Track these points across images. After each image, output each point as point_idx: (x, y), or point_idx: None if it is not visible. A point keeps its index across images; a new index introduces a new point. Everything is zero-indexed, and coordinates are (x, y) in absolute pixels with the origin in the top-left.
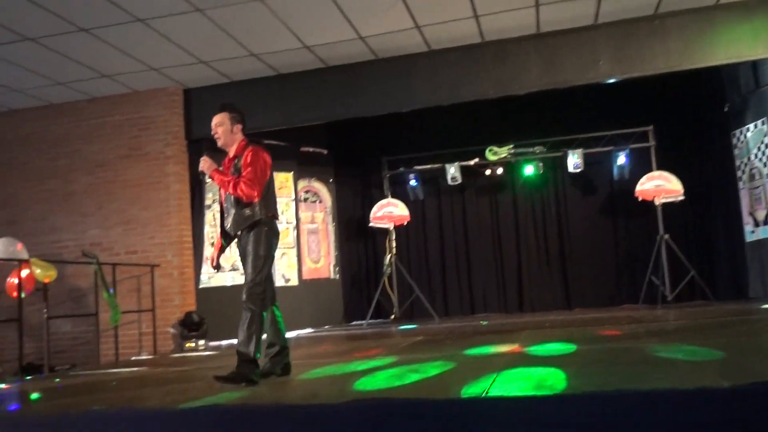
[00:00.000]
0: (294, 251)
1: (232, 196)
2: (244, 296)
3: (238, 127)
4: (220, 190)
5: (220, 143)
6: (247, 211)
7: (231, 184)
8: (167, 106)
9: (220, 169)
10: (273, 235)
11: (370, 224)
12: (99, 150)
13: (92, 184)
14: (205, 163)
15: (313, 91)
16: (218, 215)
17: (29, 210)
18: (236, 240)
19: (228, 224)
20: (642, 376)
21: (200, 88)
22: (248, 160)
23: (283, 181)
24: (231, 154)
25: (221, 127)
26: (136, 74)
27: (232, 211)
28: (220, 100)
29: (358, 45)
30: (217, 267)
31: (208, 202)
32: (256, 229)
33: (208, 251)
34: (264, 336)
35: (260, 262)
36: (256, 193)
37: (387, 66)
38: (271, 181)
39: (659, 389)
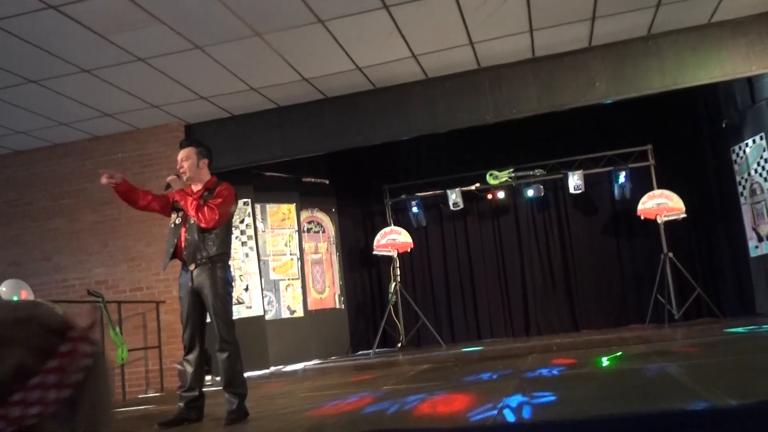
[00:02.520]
0: (299, 282)
1: (195, 227)
2: (220, 336)
3: (205, 161)
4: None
5: (185, 177)
6: (207, 245)
7: (194, 205)
8: (169, 142)
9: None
10: (228, 272)
11: (374, 252)
12: (103, 188)
13: (97, 222)
14: (174, 178)
15: (313, 122)
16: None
17: (34, 250)
18: (189, 270)
19: (186, 252)
20: (651, 397)
21: (201, 123)
22: (224, 192)
23: (286, 212)
24: (197, 188)
25: (187, 161)
26: (138, 112)
27: (190, 240)
28: (222, 134)
29: (356, 76)
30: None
31: None
32: (211, 267)
33: None
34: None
35: (224, 301)
36: (215, 221)
37: (385, 95)
38: (231, 221)
39: (670, 410)
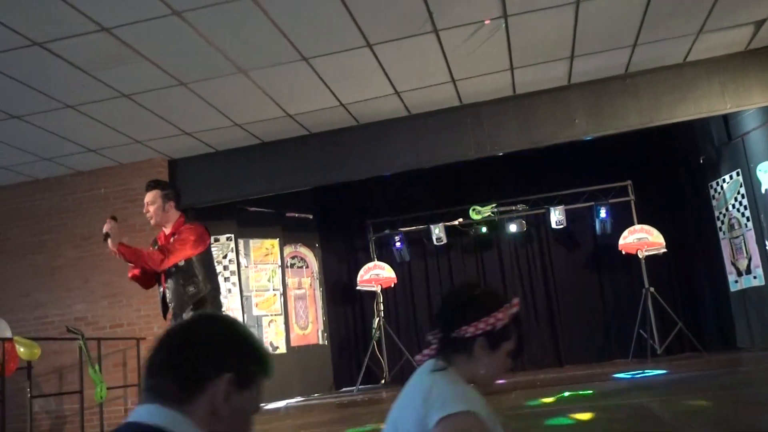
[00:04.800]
0: (282, 318)
1: (172, 272)
2: None
3: (171, 204)
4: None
5: (153, 222)
6: (192, 288)
7: (152, 259)
8: (152, 177)
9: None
10: (218, 309)
11: (358, 288)
12: (85, 223)
13: (78, 257)
14: (109, 226)
15: (297, 157)
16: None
17: (13, 287)
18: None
19: (171, 302)
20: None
21: (186, 158)
22: (183, 234)
23: (270, 247)
24: (168, 231)
25: (153, 205)
26: (122, 147)
27: (174, 288)
28: (206, 169)
29: (340, 112)
30: None
31: None
32: (202, 307)
33: None
34: None
35: None
36: (164, 261)
37: (368, 131)
38: (210, 255)
39: None
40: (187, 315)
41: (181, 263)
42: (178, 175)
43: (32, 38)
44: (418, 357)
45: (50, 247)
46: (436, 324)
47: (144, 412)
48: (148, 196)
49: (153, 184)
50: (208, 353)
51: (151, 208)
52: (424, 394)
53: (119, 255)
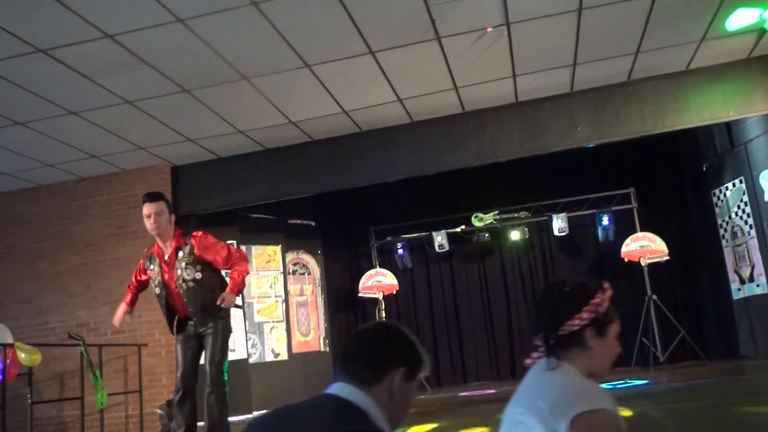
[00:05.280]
0: (283, 325)
1: (190, 286)
2: (212, 378)
3: (173, 216)
4: (161, 277)
5: (156, 232)
6: (212, 297)
7: (240, 276)
8: (155, 184)
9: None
10: (230, 319)
11: (360, 294)
12: (87, 229)
13: (80, 264)
14: (231, 297)
15: (300, 164)
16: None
17: (15, 293)
18: (192, 321)
19: (193, 312)
20: None
21: (188, 165)
22: (211, 241)
23: (272, 254)
24: (170, 244)
25: (161, 216)
26: (125, 154)
27: (194, 299)
28: (208, 176)
29: (343, 119)
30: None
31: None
32: (222, 313)
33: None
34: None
35: (227, 345)
36: (247, 264)
37: (371, 138)
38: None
39: None
40: (210, 323)
41: (199, 276)
42: (180, 182)
43: (36, 45)
44: (527, 360)
45: (52, 253)
46: (538, 328)
47: (341, 389)
48: (155, 206)
49: (159, 196)
50: (391, 351)
51: (160, 220)
52: (547, 393)
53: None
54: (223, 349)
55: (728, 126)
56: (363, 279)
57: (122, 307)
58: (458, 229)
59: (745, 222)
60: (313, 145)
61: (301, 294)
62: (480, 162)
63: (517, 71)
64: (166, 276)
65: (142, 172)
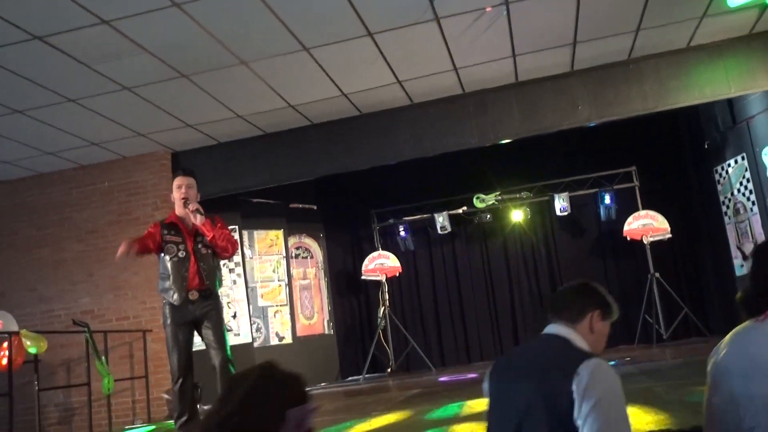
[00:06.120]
0: (287, 308)
1: (209, 256)
2: (224, 359)
3: (199, 195)
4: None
5: (184, 204)
6: (218, 273)
7: (225, 236)
8: (156, 171)
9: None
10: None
11: (362, 277)
12: (89, 217)
13: (83, 251)
14: (196, 206)
15: (300, 148)
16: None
17: (19, 281)
18: (190, 299)
19: (207, 279)
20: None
21: (188, 150)
22: (220, 223)
23: (274, 238)
24: (196, 220)
25: (192, 190)
26: (125, 140)
27: (208, 268)
28: (209, 161)
29: (342, 102)
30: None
31: None
32: (216, 297)
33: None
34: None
35: (226, 332)
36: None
37: (371, 120)
38: None
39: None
40: (200, 300)
41: (210, 252)
42: (181, 168)
43: (32, 32)
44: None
45: (54, 241)
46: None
47: (553, 329)
48: (188, 180)
49: (192, 172)
50: (589, 297)
51: (191, 192)
52: None
53: (208, 230)
54: (225, 335)
55: (730, 103)
56: (366, 262)
57: (130, 249)
58: (460, 211)
59: (748, 198)
60: (313, 128)
61: (305, 278)
62: (481, 143)
63: (516, 51)
64: (191, 245)
65: (143, 159)
